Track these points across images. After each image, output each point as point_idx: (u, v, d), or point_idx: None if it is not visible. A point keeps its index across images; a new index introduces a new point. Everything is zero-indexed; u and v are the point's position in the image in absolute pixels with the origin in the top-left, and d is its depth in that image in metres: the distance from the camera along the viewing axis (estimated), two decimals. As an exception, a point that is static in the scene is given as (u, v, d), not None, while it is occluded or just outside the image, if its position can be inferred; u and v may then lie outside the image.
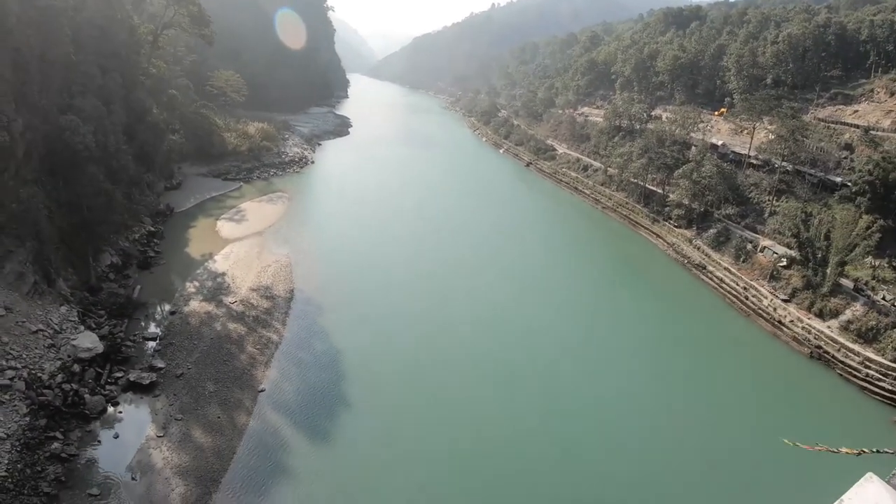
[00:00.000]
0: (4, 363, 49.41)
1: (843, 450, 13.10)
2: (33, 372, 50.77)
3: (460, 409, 59.26)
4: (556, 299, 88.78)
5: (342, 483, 48.84)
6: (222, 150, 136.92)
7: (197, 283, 78.39)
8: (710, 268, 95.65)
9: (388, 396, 60.38)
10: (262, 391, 59.02)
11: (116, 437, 50.30)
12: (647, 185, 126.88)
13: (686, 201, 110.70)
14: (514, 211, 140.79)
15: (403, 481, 49.18)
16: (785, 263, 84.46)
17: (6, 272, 57.42)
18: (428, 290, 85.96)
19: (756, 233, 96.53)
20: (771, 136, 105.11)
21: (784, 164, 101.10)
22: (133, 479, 45.95)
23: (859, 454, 13.11)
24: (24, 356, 51.57)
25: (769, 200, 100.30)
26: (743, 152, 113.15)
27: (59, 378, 52.12)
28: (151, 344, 63.65)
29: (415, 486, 48.80)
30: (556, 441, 55.70)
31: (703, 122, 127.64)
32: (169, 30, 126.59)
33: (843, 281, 76.14)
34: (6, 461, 42.59)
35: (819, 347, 71.78)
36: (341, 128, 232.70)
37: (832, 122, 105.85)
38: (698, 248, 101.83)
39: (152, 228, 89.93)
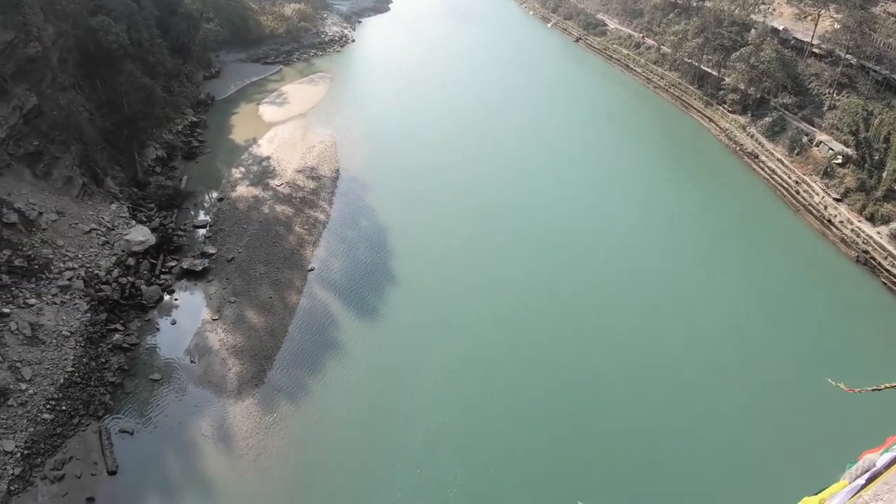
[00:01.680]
0: (62, 265, 50.15)
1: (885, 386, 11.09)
2: (90, 270, 51.59)
3: (505, 279, 58.64)
4: (600, 175, 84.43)
5: (389, 355, 49.29)
6: (259, 34, 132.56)
7: (243, 169, 77.75)
8: (763, 157, 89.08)
9: (434, 270, 59.91)
10: (311, 270, 59.21)
11: (174, 323, 51.41)
12: (701, 67, 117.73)
13: (742, 86, 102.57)
14: (562, 87, 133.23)
15: (447, 353, 49.34)
16: (840, 161, 78.25)
17: (54, 178, 57.48)
18: (471, 165, 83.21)
19: (813, 126, 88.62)
20: (836, 26, 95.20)
21: (848, 56, 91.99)
22: (192, 361, 47.14)
23: None
24: (80, 256, 52.28)
25: (829, 93, 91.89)
26: (805, 40, 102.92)
27: (115, 273, 52.96)
28: (202, 231, 63.95)
29: (458, 358, 48.92)
30: (595, 310, 55.19)
31: (764, 3, 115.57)
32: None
33: (899, 186, 70.17)
34: (72, 357, 43.92)
35: (866, 252, 66.69)
36: (381, 4, 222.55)
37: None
38: (751, 136, 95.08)
39: (195, 118, 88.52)
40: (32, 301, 45.73)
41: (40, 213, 52.43)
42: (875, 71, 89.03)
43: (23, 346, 42.56)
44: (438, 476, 39.75)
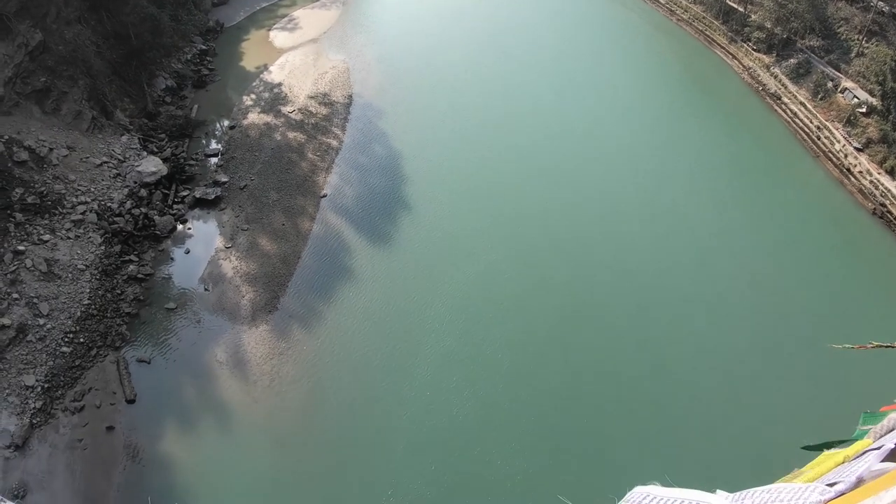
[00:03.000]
0: (75, 199, 49.59)
1: None
2: (103, 203, 51.02)
3: (519, 209, 57.10)
4: (618, 108, 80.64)
5: (401, 281, 48.72)
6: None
7: (254, 96, 75.89)
8: (786, 99, 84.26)
9: (447, 197, 58.47)
10: (323, 196, 58.23)
11: (187, 252, 51.01)
12: (727, 1, 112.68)
13: (768, 24, 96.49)
14: (580, 17, 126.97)
15: (458, 279, 48.63)
16: (864, 110, 74.15)
17: (63, 113, 56.39)
18: (487, 92, 79.90)
19: (839, 71, 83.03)
20: None
21: (881, 3, 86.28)
22: (206, 289, 46.97)
23: None
24: (93, 189, 51.65)
25: (858, 40, 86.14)
26: None
27: (128, 205, 52.35)
28: (213, 160, 62.82)
29: (469, 283, 48.30)
30: (609, 247, 53.82)
31: None
32: None
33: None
34: (88, 290, 43.85)
35: (883, 206, 63.38)
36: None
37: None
38: (775, 77, 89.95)
39: (204, 47, 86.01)
40: (47, 237, 45.42)
41: (51, 150, 51.59)
42: None
43: (39, 281, 42.51)
44: (446, 398, 39.67)
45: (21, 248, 43.48)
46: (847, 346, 10.62)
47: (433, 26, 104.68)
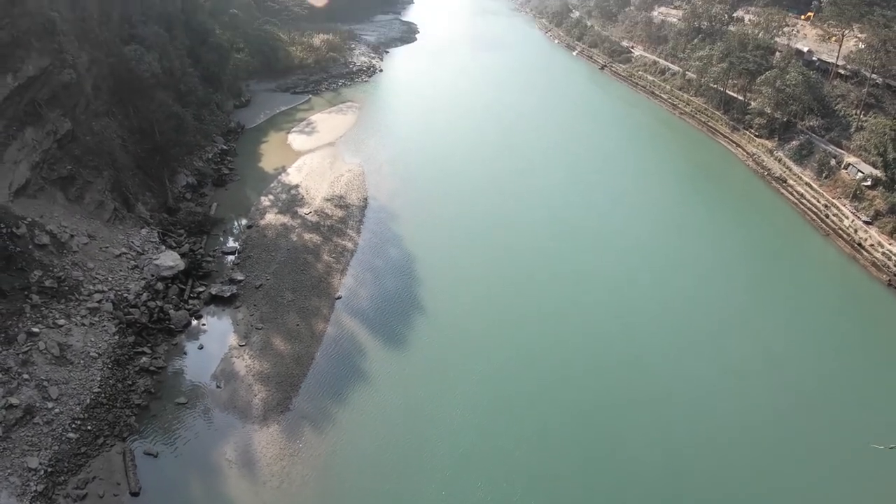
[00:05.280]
0: (92, 287, 51.21)
1: None
2: (119, 293, 52.64)
3: (532, 308, 59.00)
4: (627, 203, 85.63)
5: (415, 385, 49.44)
6: (289, 64, 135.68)
7: (272, 197, 79.12)
8: (791, 182, 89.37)
9: (460, 298, 60.33)
10: (338, 298, 59.78)
11: (201, 348, 52.11)
12: (727, 92, 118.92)
13: (768, 110, 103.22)
14: (587, 114, 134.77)
15: (472, 382, 49.51)
16: (869, 183, 78.33)
17: (86, 202, 58.99)
18: (498, 193, 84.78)
19: (841, 148, 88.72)
20: (861, 46, 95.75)
21: (874, 76, 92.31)
22: (218, 386, 47.67)
23: None
24: (110, 279, 53.39)
25: (856, 115, 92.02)
26: (830, 61, 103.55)
27: (144, 297, 54.01)
28: (230, 258, 65.06)
29: (483, 387, 49.09)
30: (626, 346, 54.97)
31: (788, 25, 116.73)
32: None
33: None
34: (99, 378, 44.72)
35: None
36: (408, 34, 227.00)
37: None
38: (779, 161, 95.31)
39: (225, 146, 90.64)
40: (62, 321, 46.70)
41: (72, 236, 53.72)
42: None
43: (51, 365, 43.44)
44: (463, 498, 39.79)
45: (35, 329, 44.67)
46: (891, 446, 11.56)
47: (443, 127, 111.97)
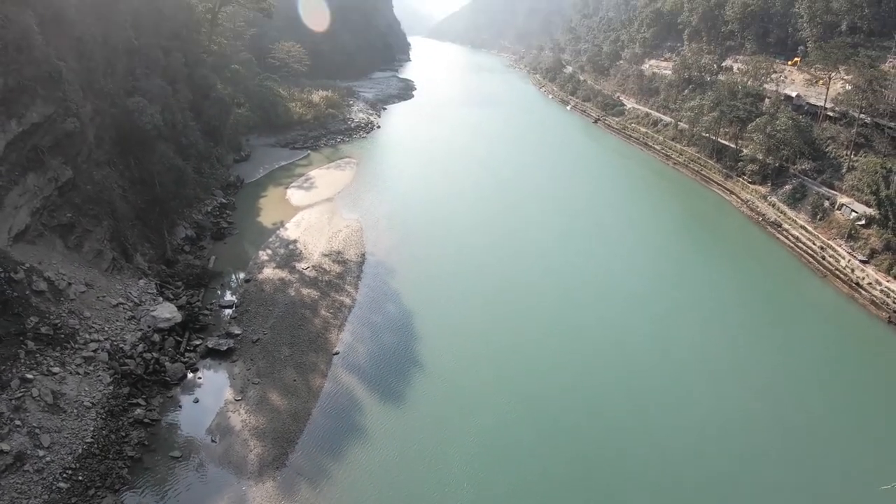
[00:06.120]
0: (88, 336, 51.30)
1: None
2: (115, 343, 52.70)
3: (530, 366, 59.09)
4: (625, 254, 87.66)
5: (414, 442, 49.17)
6: (288, 120, 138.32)
7: (270, 251, 79.75)
8: (786, 226, 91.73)
9: (458, 353, 60.51)
10: (336, 354, 59.83)
11: (196, 401, 51.86)
12: (719, 140, 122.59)
13: (760, 156, 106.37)
14: (583, 167, 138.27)
15: (473, 442, 49.21)
16: (864, 222, 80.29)
17: (85, 251, 59.45)
18: (495, 247, 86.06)
19: (833, 189, 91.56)
20: (847, 87, 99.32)
21: (862, 116, 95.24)
22: (213, 441, 47.38)
23: None
24: (106, 329, 53.50)
25: (847, 155, 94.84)
26: (819, 104, 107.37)
27: (140, 348, 54.07)
28: (228, 311, 65.25)
29: (484, 447, 48.76)
30: (627, 397, 55.25)
31: (776, 72, 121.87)
32: (227, 6, 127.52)
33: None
34: (92, 428, 44.47)
35: None
36: (405, 91, 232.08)
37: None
38: (773, 205, 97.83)
39: (224, 200, 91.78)
40: (56, 369, 46.65)
41: (69, 284, 54.00)
42: (890, 128, 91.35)
43: (43, 412, 43.25)
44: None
45: (29, 376, 44.61)
46: None
47: (441, 182, 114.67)
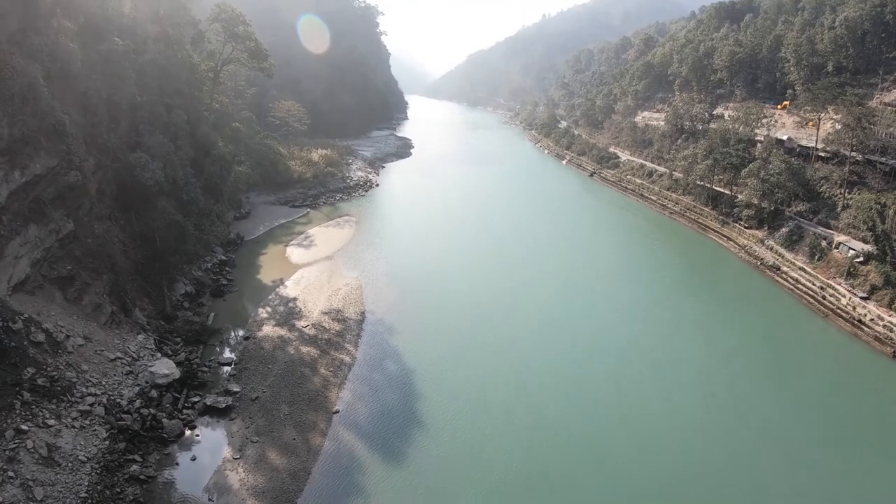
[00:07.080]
0: (84, 390, 51.22)
1: None
2: (112, 398, 52.60)
3: (534, 423, 59.03)
4: (626, 304, 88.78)
5: (414, 498, 48.89)
6: (288, 178, 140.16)
7: (269, 309, 79.96)
8: (785, 268, 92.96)
9: (461, 414, 60.27)
10: (336, 412, 59.59)
11: (194, 459, 51.50)
12: (713, 187, 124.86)
13: (755, 201, 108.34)
14: (581, 221, 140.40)
15: (476, 498, 48.95)
16: (862, 259, 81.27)
17: (84, 304, 59.77)
18: (495, 302, 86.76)
19: (830, 229, 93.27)
20: (837, 126, 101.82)
21: (853, 154, 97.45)
22: (210, 499, 46.89)
23: None
24: (104, 383, 53.45)
25: (841, 194, 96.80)
26: (810, 145, 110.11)
27: (137, 403, 53.98)
28: (226, 369, 65.22)
29: (485, 494, 48.89)
30: (631, 443, 55.68)
31: (766, 116, 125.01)
32: (229, 65, 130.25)
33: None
34: (86, 483, 44.12)
35: None
36: (403, 149, 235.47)
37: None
38: (771, 249, 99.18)
39: (224, 257, 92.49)
40: (52, 422, 46.52)
41: (67, 336, 54.13)
42: (882, 163, 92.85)
43: (37, 465, 43.00)
44: None
45: (24, 427, 44.51)
46: None
47: (439, 239, 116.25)
